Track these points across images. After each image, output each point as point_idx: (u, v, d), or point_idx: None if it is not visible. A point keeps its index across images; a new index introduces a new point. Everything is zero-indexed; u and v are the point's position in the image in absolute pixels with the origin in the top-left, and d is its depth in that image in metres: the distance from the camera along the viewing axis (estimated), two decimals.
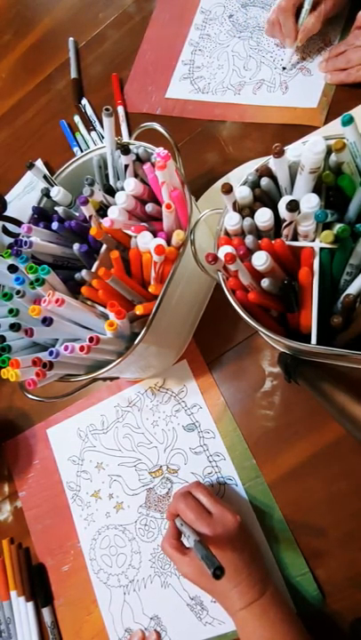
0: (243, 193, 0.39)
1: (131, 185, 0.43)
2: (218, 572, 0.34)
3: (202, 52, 0.67)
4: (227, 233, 0.40)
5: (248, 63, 0.62)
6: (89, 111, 0.72)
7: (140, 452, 0.54)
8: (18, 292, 0.40)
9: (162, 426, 0.54)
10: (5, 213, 0.59)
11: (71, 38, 0.78)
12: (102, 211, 0.45)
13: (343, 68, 0.54)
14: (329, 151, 0.37)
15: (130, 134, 0.67)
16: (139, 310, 0.41)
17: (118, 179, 0.50)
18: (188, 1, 0.71)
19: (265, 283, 0.37)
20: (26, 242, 0.43)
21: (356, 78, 0.53)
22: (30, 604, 0.55)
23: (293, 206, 0.35)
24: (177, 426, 0.53)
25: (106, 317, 0.41)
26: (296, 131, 0.56)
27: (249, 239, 0.37)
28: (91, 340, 0.38)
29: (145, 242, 0.42)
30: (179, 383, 0.54)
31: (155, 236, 0.42)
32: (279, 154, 0.36)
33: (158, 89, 0.68)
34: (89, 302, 0.43)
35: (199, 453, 0.51)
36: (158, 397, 0.55)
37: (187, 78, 0.66)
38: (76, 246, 0.44)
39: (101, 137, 0.69)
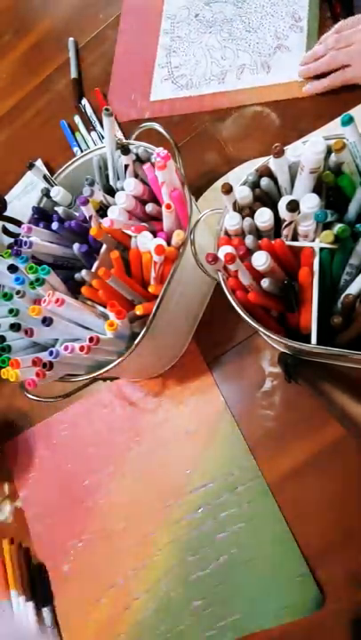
0: (243, 193, 0.39)
1: (131, 185, 0.43)
2: None
3: (176, 53, 0.68)
4: (227, 233, 0.40)
5: (225, 53, 0.64)
6: (89, 111, 0.72)
7: None
8: (18, 292, 0.40)
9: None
10: (5, 213, 0.59)
11: (71, 38, 0.78)
12: (102, 211, 0.45)
13: (327, 70, 0.54)
14: (329, 151, 0.37)
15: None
16: (139, 310, 0.41)
17: (118, 179, 0.50)
18: (151, 11, 0.72)
19: (265, 283, 0.37)
20: (26, 242, 0.43)
21: (344, 80, 0.53)
22: (30, 604, 0.55)
23: (293, 206, 0.35)
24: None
25: (106, 317, 0.41)
26: (296, 130, 0.56)
27: (249, 239, 0.37)
28: (91, 340, 0.38)
29: (145, 242, 0.42)
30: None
31: (155, 236, 0.42)
32: (279, 154, 0.36)
33: (142, 95, 0.68)
34: (89, 302, 0.43)
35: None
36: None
37: (167, 79, 0.67)
38: (76, 246, 0.44)
39: (101, 137, 0.69)
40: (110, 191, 0.48)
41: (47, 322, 0.37)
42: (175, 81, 0.66)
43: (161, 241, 0.40)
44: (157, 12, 0.72)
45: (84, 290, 0.41)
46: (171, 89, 0.66)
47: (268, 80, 0.59)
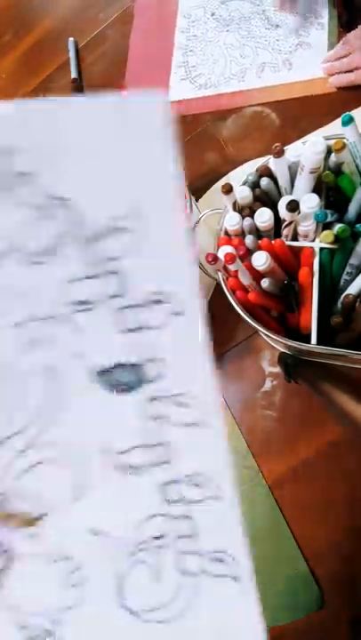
0: (243, 193, 0.39)
1: None
2: None
3: (193, 53, 0.67)
4: (227, 233, 0.40)
5: (244, 51, 0.63)
6: None
7: None
8: None
9: None
10: None
11: (71, 38, 0.78)
12: None
13: (348, 70, 0.55)
14: (329, 151, 0.37)
15: None
16: None
17: None
18: (165, 11, 0.72)
19: (265, 283, 0.37)
20: None
21: None
22: None
23: (293, 206, 0.35)
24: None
25: None
26: (296, 129, 0.56)
27: (249, 239, 0.37)
28: None
29: None
30: None
31: None
32: (279, 154, 0.36)
33: None
34: None
35: None
36: None
37: (185, 79, 0.66)
38: None
39: None
40: None
41: None
42: (193, 80, 0.65)
43: None
44: (172, 10, 0.71)
45: None
46: (189, 88, 0.66)
47: (290, 77, 0.59)
